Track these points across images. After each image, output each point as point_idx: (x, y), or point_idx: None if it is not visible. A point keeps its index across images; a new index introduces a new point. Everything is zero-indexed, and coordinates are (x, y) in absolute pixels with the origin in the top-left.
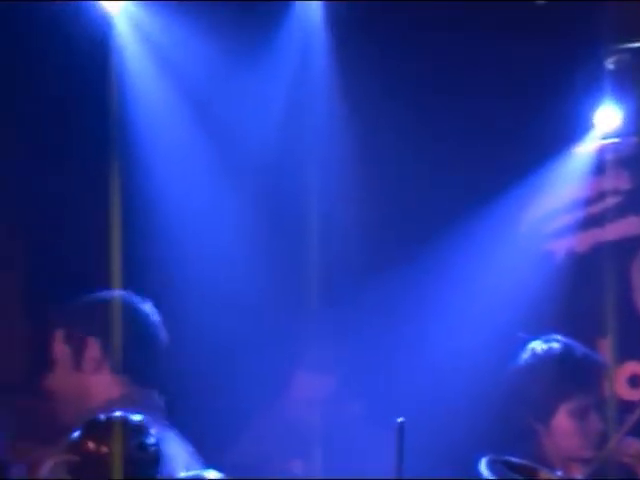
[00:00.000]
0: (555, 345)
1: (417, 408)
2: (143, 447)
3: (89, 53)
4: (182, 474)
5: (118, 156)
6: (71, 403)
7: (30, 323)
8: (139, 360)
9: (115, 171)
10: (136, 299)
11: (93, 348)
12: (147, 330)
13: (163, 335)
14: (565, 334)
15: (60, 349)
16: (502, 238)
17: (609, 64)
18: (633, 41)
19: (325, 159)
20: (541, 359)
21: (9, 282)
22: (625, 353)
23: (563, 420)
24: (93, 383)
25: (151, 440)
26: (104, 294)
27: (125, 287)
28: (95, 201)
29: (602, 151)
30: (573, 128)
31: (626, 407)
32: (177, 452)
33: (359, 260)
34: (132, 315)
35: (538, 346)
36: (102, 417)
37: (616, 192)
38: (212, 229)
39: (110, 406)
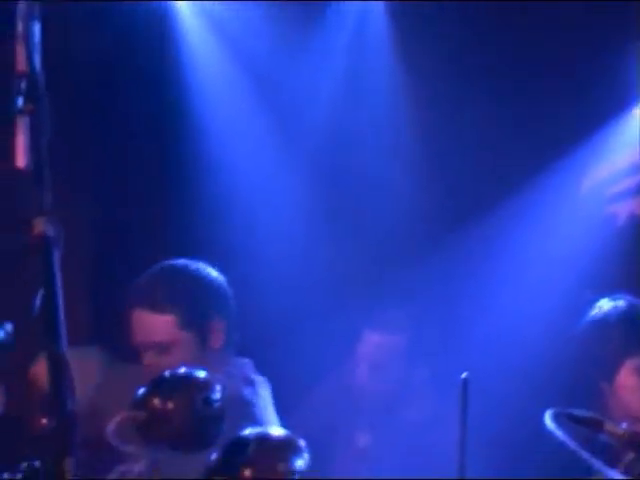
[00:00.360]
0: (621, 303)
1: (484, 368)
2: (208, 402)
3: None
4: (247, 430)
5: (181, 129)
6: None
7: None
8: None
9: (178, 148)
10: (204, 266)
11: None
12: (223, 293)
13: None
14: (629, 295)
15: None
16: (564, 202)
17: None
18: None
19: (384, 129)
20: (607, 317)
21: (77, 263)
22: None
23: (628, 377)
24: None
25: (216, 396)
26: (174, 264)
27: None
28: (159, 175)
29: None
30: (632, 92)
31: None
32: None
33: (425, 224)
34: (206, 281)
35: (604, 304)
36: (167, 374)
37: None
38: (274, 198)
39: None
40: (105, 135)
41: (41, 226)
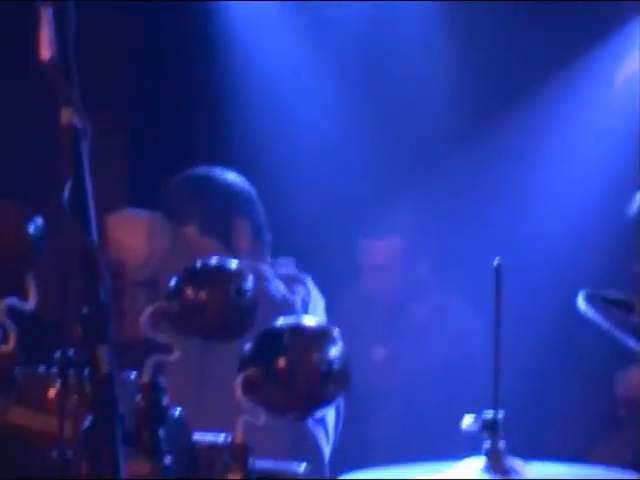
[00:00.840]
0: None
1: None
2: (241, 292)
3: None
4: (281, 320)
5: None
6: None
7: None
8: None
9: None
10: (222, 171)
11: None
12: (243, 195)
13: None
14: None
15: None
16: (599, 96)
17: None
18: None
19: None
20: None
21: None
22: None
23: None
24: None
25: (248, 285)
26: (192, 173)
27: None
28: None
29: None
30: None
31: None
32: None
33: (453, 130)
34: (223, 185)
35: None
36: (199, 264)
37: None
38: (305, 100)
39: None
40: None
41: (68, 116)
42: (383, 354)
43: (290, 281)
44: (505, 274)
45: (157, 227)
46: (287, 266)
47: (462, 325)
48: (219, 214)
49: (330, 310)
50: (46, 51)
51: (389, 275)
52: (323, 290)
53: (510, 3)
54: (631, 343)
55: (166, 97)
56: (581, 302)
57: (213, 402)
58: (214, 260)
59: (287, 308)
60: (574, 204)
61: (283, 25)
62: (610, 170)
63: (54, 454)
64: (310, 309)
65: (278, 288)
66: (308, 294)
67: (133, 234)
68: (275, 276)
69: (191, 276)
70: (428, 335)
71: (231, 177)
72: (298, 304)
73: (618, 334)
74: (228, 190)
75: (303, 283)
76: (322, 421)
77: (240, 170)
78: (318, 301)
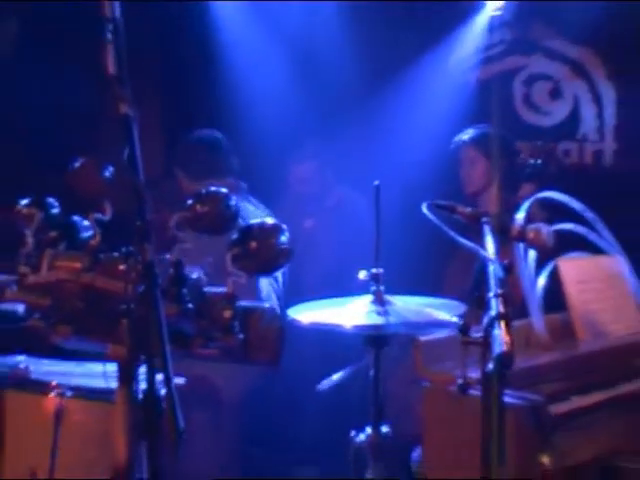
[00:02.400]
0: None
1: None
2: (229, 207)
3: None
4: (253, 221)
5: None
6: None
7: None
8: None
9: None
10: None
11: None
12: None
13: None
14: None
15: None
16: (442, 69)
17: None
18: None
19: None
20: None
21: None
22: None
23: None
24: None
25: (233, 202)
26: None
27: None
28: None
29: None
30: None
31: None
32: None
33: (355, 88)
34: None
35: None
36: (204, 190)
37: (502, 42)
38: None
39: None
40: None
41: (124, 108)
42: (312, 223)
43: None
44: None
45: None
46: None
47: (356, 209)
48: (215, 163)
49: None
50: (110, 67)
51: (310, 182)
52: (269, 194)
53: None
54: (453, 234)
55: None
56: (425, 210)
57: (214, 269)
58: (212, 188)
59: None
60: (425, 147)
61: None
62: (446, 127)
63: (122, 305)
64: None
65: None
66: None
67: None
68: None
69: (199, 197)
70: (335, 214)
71: (218, 136)
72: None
73: (445, 230)
74: (218, 146)
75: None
76: (275, 278)
77: (221, 125)
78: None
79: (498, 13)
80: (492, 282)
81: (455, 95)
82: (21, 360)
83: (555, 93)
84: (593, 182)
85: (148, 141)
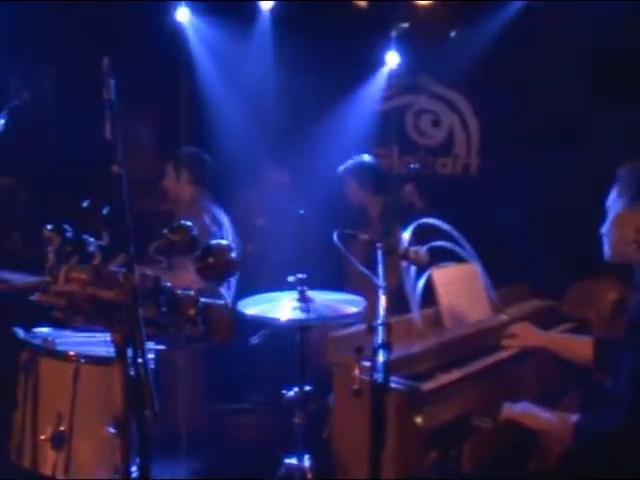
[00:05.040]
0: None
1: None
2: (192, 236)
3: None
4: (213, 242)
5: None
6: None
7: None
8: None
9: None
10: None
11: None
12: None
13: None
14: None
15: None
16: (358, 101)
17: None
18: None
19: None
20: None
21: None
22: None
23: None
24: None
25: (194, 232)
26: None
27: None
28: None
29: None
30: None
31: None
32: None
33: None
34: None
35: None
36: (175, 224)
37: (398, 85)
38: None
39: None
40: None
41: (116, 169)
42: (263, 222)
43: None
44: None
45: None
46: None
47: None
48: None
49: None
50: (105, 94)
51: (285, 186)
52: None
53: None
54: (353, 262)
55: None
56: (335, 237)
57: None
58: (181, 222)
59: (215, 236)
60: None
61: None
62: (359, 145)
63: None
64: (225, 233)
65: (212, 223)
66: (222, 224)
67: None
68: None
69: (171, 228)
70: (282, 214)
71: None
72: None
73: (348, 258)
74: (201, 160)
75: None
76: (228, 283)
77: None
78: (227, 224)
79: (396, 66)
80: (380, 310)
81: (365, 123)
82: (48, 332)
83: (436, 122)
84: (462, 187)
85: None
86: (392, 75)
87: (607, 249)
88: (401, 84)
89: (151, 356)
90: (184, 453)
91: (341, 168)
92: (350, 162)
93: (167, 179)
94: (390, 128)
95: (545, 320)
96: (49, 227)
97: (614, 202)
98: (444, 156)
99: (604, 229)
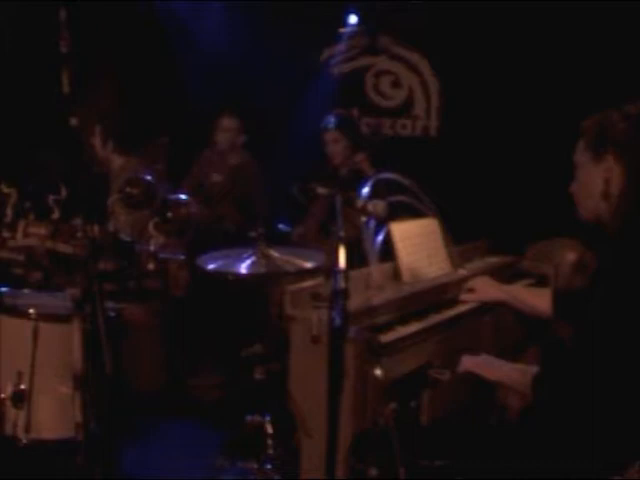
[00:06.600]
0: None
1: None
2: (150, 189)
3: None
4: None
5: None
6: None
7: None
8: None
9: None
10: None
11: None
12: None
13: None
14: None
15: None
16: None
17: None
18: None
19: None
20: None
21: None
22: None
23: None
24: None
25: (152, 185)
26: None
27: None
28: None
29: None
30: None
31: None
32: None
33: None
34: None
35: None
36: (132, 175)
37: (358, 46)
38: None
39: None
40: None
41: (74, 121)
42: (219, 178)
43: None
44: None
45: None
46: None
47: (254, 172)
48: None
49: None
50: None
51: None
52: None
53: None
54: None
55: None
56: (295, 191)
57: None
58: (138, 174)
59: None
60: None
61: None
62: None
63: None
64: None
65: None
66: None
67: None
68: None
69: (129, 181)
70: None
71: None
72: None
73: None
74: None
75: None
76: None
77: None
78: None
79: (355, 26)
80: (339, 259)
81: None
82: (6, 291)
83: (396, 84)
84: (421, 147)
85: None
86: (351, 36)
87: (580, 208)
88: (361, 45)
89: (111, 314)
90: (144, 412)
91: (330, 125)
92: (337, 118)
93: None
94: (350, 90)
95: (505, 276)
96: (6, 183)
97: (580, 157)
98: (404, 118)
99: (573, 186)
